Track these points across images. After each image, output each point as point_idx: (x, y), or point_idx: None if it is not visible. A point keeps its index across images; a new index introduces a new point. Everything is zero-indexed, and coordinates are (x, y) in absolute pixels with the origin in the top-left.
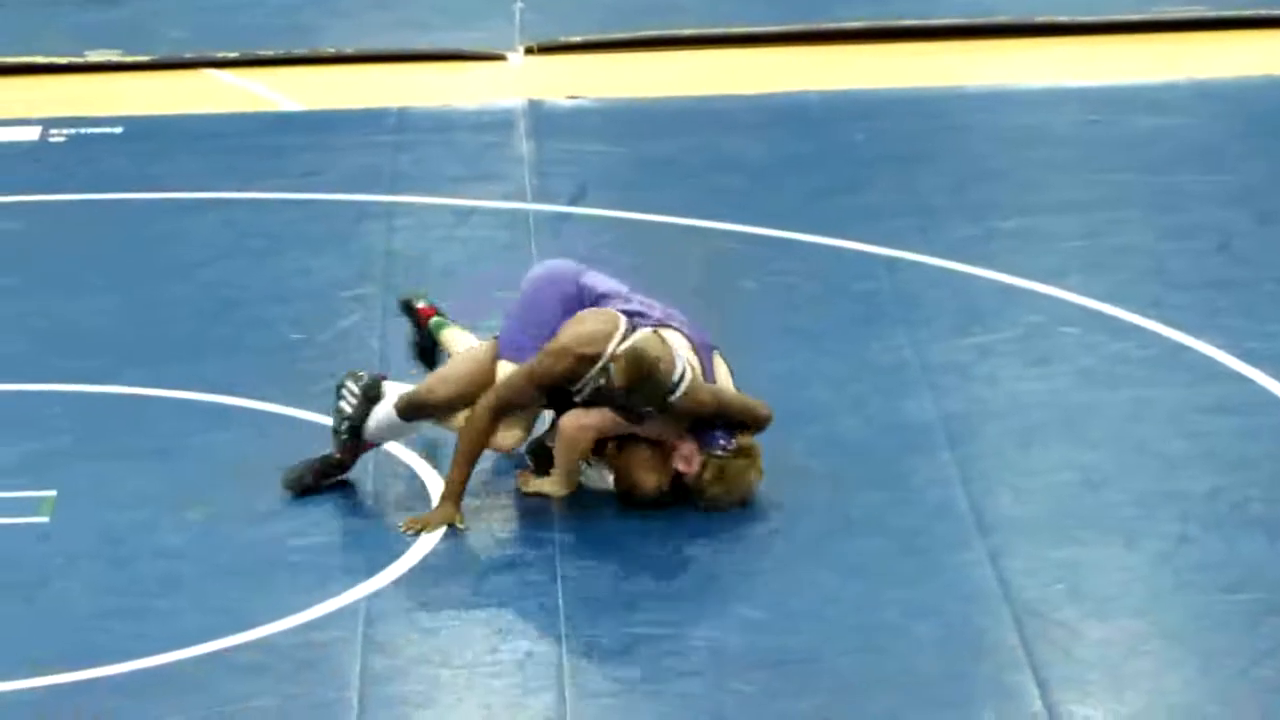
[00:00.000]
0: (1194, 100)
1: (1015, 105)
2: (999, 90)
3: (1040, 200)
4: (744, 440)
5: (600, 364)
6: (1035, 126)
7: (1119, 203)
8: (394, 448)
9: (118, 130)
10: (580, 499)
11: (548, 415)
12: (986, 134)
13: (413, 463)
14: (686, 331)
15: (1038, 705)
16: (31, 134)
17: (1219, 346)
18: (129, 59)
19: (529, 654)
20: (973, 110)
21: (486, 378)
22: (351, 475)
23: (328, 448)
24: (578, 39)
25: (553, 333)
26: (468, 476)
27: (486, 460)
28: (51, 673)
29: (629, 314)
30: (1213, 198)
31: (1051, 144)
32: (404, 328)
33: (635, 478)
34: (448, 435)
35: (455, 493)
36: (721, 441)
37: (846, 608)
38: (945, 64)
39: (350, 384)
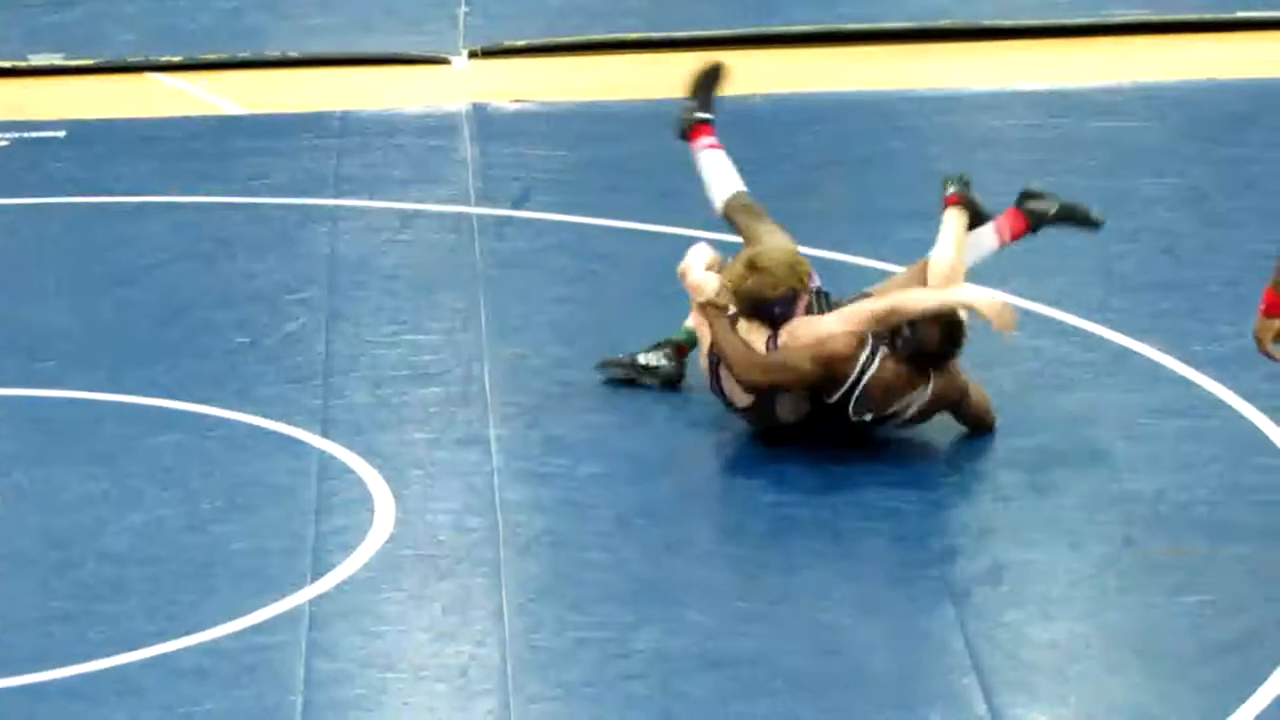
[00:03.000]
0: (1141, 104)
1: (963, 109)
2: (946, 94)
3: (987, 204)
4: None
5: None
6: (982, 130)
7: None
8: (345, 455)
9: (61, 134)
10: (524, 502)
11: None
12: (933, 138)
13: (357, 467)
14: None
15: (983, 708)
16: None
17: (1165, 350)
18: (72, 63)
19: (472, 657)
20: (920, 114)
21: None
22: (294, 479)
23: (273, 452)
24: (522, 43)
25: None
26: None
27: (441, 464)
28: None
29: None
30: (1159, 201)
31: (999, 147)
32: (349, 332)
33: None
34: (387, 439)
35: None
36: None
37: (792, 610)
38: (892, 68)
39: None
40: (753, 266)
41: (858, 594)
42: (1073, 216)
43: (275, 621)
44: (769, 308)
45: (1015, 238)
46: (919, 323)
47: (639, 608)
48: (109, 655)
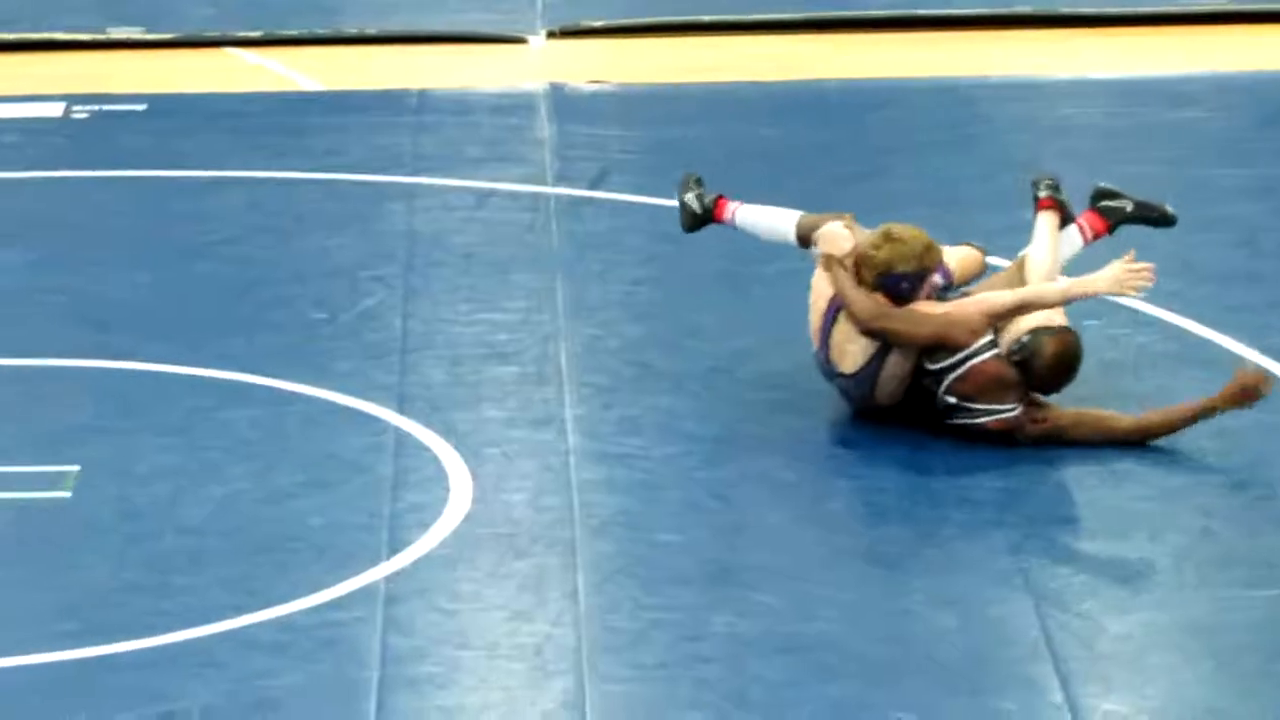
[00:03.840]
0: (1218, 93)
1: (1038, 96)
2: (1021, 81)
3: (1068, 193)
4: None
5: None
6: (1058, 118)
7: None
8: (421, 432)
9: (141, 108)
10: (599, 482)
11: None
12: (1009, 125)
13: (433, 445)
14: None
15: (1059, 697)
16: (55, 110)
17: (1242, 340)
18: (152, 36)
19: (548, 637)
20: (994, 100)
21: None
22: (370, 456)
23: (350, 428)
24: (599, 23)
25: None
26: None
27: (517, 443)
28: (73, 647)
29: None
30: (1236, 191)
31: (1074, 136)
32: (425, 309)
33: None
34: (464, 417)
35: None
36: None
37: (867, 595)
38: (967, 54)
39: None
40: (889, 237)
41: (932, 580)
42: (1147, 214)
43: (352, 597)
44: (896, 281)
45: (1097, 237)
46: (1041, 332)
47: (712, 590)
48: (186, 627)
